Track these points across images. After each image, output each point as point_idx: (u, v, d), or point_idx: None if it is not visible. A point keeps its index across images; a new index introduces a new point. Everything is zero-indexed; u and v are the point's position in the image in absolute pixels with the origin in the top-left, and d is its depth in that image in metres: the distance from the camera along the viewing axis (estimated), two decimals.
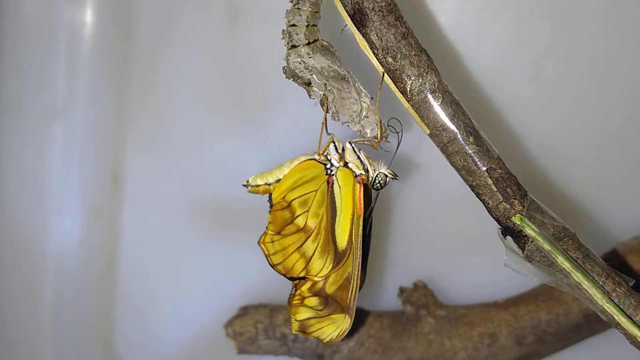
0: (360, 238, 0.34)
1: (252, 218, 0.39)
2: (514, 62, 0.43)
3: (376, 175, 0.34)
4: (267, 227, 0.36)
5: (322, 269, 0.36)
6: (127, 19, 0.45)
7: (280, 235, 0.36)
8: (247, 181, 0.37)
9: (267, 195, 0.37)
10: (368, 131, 0.33)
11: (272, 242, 0.36)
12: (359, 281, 0.35)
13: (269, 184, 0.36)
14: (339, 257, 0.35)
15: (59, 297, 0.48)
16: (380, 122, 0.33)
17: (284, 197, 0.35)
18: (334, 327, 0.37)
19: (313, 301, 0.37)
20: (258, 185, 0.37)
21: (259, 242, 0.36)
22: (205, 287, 0.48)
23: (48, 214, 0.47)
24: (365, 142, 0.34)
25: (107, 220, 0.48)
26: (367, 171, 0.35)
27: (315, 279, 0.36)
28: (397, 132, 0.34)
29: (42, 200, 0.47)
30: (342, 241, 0.35)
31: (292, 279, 0.37)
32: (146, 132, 0.47)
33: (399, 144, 0.34)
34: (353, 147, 0.35)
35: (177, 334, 0.48)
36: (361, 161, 0.35)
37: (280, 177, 0.36)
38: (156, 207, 0.48)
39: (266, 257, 0.36)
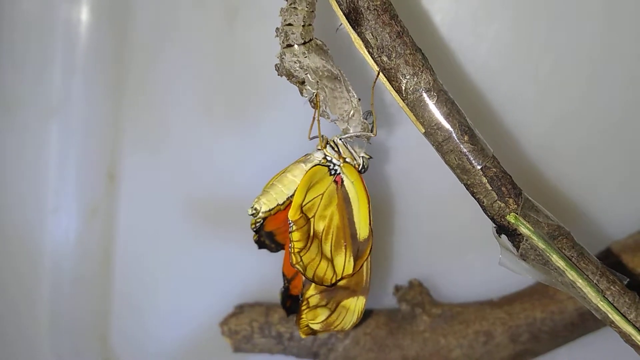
0: (372, 222, 0.35)
1: (248, 217, 0.39)
2: (511, 62, 0.43)
3: (362, 161, 0.35)
4: (291, 248, 0.35)
5: (345, 264, 0.35)
6: (123, 16, 0.45)
7: (304, 249, 0.35)
8: (255, 209, 0.35)
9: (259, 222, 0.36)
10: (351, 129, 0.34)
11: (301, 259, 0.35)
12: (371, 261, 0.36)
13: (281, 204, 0.35)
14: (362, 247, 0.35)
15: (55, 295, 0.48)
16: (375, 118, 0.33)
17: (302, 212, 0.34)
18: (351, 314, 0.37)
19: (315, 299, 0.37)
20: (271, 209, 0.35)
21: (292, 264, 0.35)
22: (201, 285, 0.48)
23: (44, 212, 0.47)
24: (349, 140, 0.35)
25: (104, 219, 0.48)
26: (355, 160, 0.35)
27: (346, 275, 0.36)
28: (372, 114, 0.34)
29: (38, 199, 0.47)
30: (364, 231, 0.35)
31: (331, 285, 0.36)
32: (142, 131, 0.47)
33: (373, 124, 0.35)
34: (343, 142, 0.35)
35: (174, 332, 0.48)
36: (350, 153, 0.35)
37: (289, 193, 0.35)
38: (152, 206, 0.48)
39: (303, 275, 0.36)
